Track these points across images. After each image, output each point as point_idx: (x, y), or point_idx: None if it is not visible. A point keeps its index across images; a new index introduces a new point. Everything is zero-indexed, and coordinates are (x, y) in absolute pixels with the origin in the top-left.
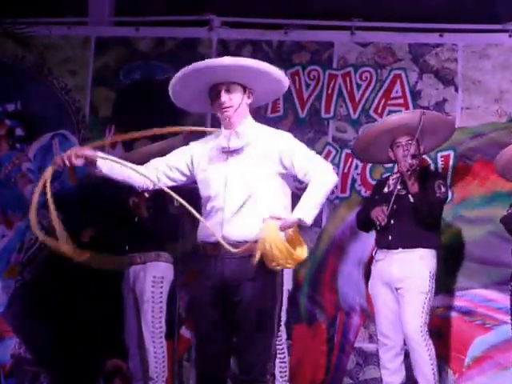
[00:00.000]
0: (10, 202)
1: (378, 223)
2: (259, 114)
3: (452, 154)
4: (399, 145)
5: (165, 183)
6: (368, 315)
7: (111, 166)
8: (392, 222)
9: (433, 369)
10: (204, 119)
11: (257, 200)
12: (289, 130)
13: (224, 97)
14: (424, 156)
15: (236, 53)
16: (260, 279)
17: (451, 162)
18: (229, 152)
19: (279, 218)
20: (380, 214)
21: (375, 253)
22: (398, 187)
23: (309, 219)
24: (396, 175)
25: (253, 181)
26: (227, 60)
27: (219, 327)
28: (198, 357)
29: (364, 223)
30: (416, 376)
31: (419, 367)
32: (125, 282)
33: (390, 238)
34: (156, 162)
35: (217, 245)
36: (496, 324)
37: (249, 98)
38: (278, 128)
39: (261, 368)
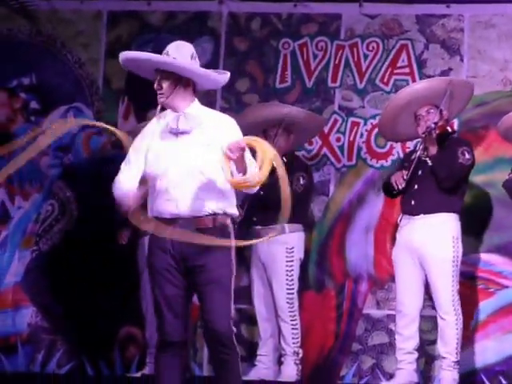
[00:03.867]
0: (26, 174)
1: (396, 187)
2: (267, 85)
3: (456, 121)
4: (420, 117)
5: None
6: (375, 282)
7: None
8: (416, 187)
9: (457, 339)
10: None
11: (206, 177)
12: (296, 100)
13: (156, 85)
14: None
15: (246, 25)
16: (215, 250)
17: (455, 129)
18: (178, 133)
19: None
20: (399, 179)
21: (400, 219)
22: (422, 152)
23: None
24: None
25: (203, 159)
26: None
27: (180, 291)
28: (160, 322)
29: (386, 187)
30: (439, 342)
31: (444, 335)
32: (140, 252)
33: (412, 202)
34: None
35: (173, 220)
36: (498, 288)
37: (188, 85)
38: (286, 98)
39: (228, 329)
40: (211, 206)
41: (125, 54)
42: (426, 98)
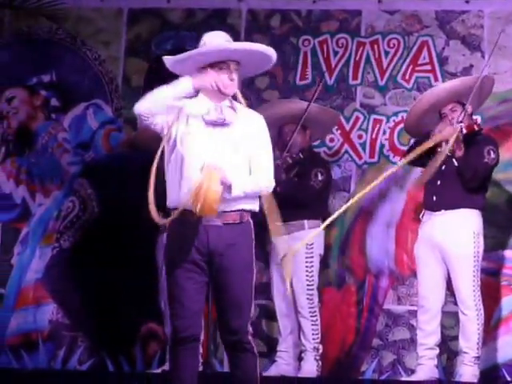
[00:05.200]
0: (47, 171)
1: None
2: (287, 82)
3: (479, 118)
4: (444, 115)
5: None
6: (397, 277)
7: None
8: (438, 182)
9: (478, 334)
10: None
11: (238, 173)
12: (317, 97)
13: (234, 75)
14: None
15: (265, 23)
16: (242, 245)
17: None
18: (214, 124)
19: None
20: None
21: (422, 215)
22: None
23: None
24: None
25: (236, 154)
26: (247, 45)
27: (201, 287)
28: (175, 316)
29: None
30: (460, 338)
31: (465, 330)
32: (159, 248)
33: (434, 198)
34: None
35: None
36: None
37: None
38: (306, 95)
39: (244, 330)
40: (238, 201)
41: (217, 46)
42: (449, 98)
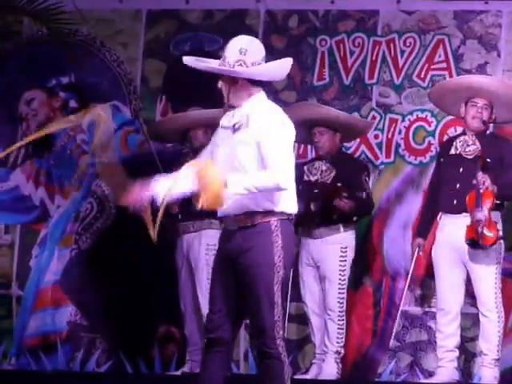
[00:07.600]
0: (66, 172)
1: None
2: (305, 82)
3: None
4: (474, 104)
5: None
6: (413, 278)
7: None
8: (458, 185)
9: (499, 336)
10: None
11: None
12: (334, 97)
13: (219, 84)
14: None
15: (283, 23)
16: (257, 249)
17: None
18: (230, 129)
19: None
20: None
21: (440, 218)
22: (465, 150)
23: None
24: (463, 137)
25: (243, 157)
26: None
27: (226, 293)
28: (206, 319)
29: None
30: (480, 339)
31: (486, 332)
32: (178, 250)
33: (454, 202)
34: None
35: (222, 218)
36: None
37: (237, 82)
38: (323, 96)
39: (267, 335)
40: (248, 204)
41: (184, 60)
42: (487, 92)
